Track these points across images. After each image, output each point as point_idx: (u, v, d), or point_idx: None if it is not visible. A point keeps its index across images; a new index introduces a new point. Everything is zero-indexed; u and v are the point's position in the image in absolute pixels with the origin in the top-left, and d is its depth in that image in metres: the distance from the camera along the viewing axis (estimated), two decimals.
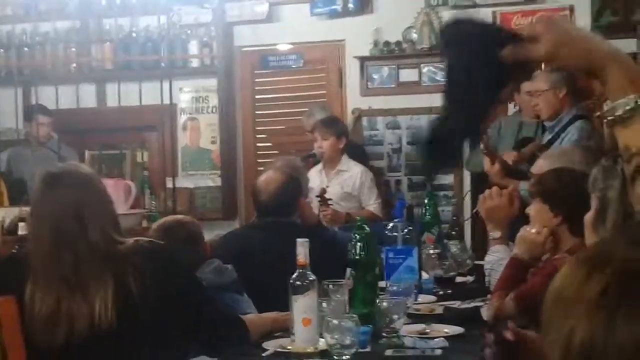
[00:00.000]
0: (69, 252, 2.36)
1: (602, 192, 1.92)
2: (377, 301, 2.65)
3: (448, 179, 6.51)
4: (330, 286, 2.66)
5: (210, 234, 6.20)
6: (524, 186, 4.75)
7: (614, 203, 1.90)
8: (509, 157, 5.01)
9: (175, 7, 6.64)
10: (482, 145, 5.11)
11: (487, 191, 3.49)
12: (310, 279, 2.44)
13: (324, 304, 2.57)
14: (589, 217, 1.98)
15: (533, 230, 2.88)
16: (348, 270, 2.79)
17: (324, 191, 5.17)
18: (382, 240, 3.40)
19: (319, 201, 5.09)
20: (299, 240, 2.41)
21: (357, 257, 2.74)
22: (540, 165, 3.39)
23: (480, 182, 5.76)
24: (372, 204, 5.56)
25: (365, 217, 5.20)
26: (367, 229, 2.77)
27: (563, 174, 2.93)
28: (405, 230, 3.39)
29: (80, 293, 2.35)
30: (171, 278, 2.43)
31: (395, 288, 2.94)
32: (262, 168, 6.56)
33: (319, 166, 5.52)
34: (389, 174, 6.56)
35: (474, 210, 5.88)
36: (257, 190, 3.65)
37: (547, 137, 4.82)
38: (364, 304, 2.71)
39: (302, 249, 2.39)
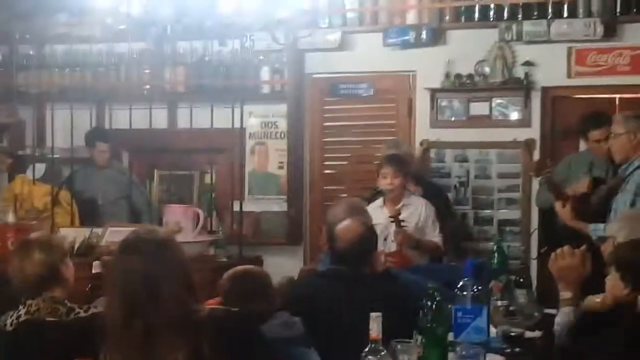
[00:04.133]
0: (139, 321, 2.38)
1: None
2: None
3: (515, 214, 6.45)
4: (399, 346, 2.65)
5: (275, 259, 6.29)
6: (594, 227, 4.74)
7: None
8: (583, 186, 5.04)
9: (249, 32, 6.67)
10: (545, 181, 5.11)
11: (559, 250, 3.44)
12: (382, 353, 2.43)
13: None
14: None
15: (597, 300, 2.86)
16: (419, 337, 2.78)
17: (398, 213, 5.24)
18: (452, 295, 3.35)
19: (393, 222, 5.18)
20: (372, 314, 2.40)
21: (428, 325, 2.74)
22: (613, 228, 3.38)
23: (548, 218, 5.73)
24: (437, 236, 5.52)
25: (432, 248, 5.38)
26: (439, 297, 2.76)
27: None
28: (475, 290, 3.35)
29: None
30: (245, 349, 2.45)
31: (464, 353, 2.91)
32: (328, 195, 6.65)
33: (378, 202, 5.44)
34: (455, 207, 6.51)
35: (542, 250, 5.84)
36: (335, 237, 3.66)
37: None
38: None
39: (375, 325, 2.39)
